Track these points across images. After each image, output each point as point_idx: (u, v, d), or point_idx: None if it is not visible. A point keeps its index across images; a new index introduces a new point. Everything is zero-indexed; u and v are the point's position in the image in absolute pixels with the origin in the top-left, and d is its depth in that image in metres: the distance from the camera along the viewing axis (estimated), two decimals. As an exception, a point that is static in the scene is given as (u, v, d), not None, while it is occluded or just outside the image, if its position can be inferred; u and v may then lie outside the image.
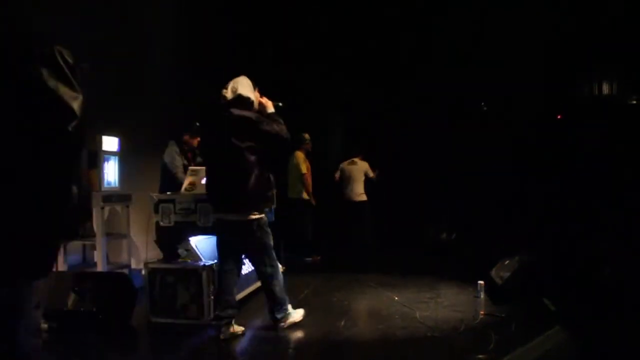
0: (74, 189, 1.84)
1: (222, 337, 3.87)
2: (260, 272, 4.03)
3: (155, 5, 6.69)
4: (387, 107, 9.33)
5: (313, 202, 7.50)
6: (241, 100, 3.88)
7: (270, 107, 4.06)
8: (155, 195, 4.48)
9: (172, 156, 5.41)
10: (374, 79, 9.12)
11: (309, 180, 7.43)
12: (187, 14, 7.41)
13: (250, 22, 8.54)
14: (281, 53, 9.02)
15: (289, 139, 3.99)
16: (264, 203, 3.95)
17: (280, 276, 4.07)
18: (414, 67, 8.96)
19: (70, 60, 1.86)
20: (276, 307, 4.03)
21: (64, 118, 1.79)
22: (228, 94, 3.90)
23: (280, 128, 3.91)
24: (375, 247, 8.12)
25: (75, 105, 1.82)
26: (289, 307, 4.12)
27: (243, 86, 3.93)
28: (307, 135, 7.58)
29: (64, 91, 1.80)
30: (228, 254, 4.00)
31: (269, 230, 4.00)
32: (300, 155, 7.45)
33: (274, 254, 4.04)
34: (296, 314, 4.17)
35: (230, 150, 3.78)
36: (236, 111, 3.83)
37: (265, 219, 3.98)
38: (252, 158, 3.80)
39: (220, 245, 4.04)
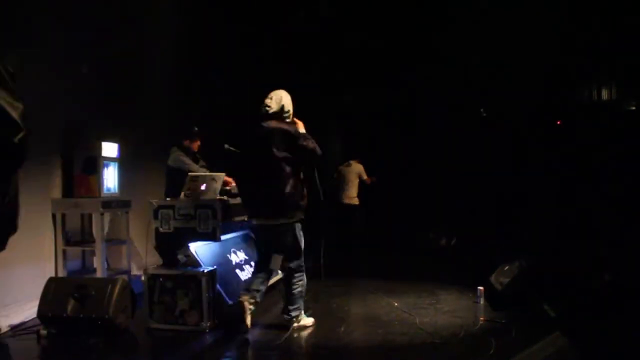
0: (5, 199, 1.77)
1: (242, 300, 3.95)
2: (288, 269, 4.23)
3: (155, 12, 6.71)
4: (386, 110, 9.35)
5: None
6: (283, 113, 4.12)
7: (301, 127, 4.18)
8: (155, 201, 4.48)
9: (179, 159, 5.46)
10: (373, 82, 9.14)
11: None
12: (186, 20, 7.43)
13: (249, 25, 8.56)
14: (281, 55, 9.05)
15: (321, 156, 4.15)
16: (298, 210, 4.13)
17: (305, 279, 4.28)
18: (413, 70, 8.98)
19: (11, 70, 1.76)
20: (293, 305, 4.21)
21: (8, 129, 1.70)
22: (272, 104, 4.11)
23: (315, 145, 4.09)
24: (363, 252, 8.08)
25: (16, 115, 1.71)
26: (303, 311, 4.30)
27: (286, 100, 4.17)
28: None
29: (6, 100, 1.71)
30: (265, 253, 4.24)
31: (302, 234, 4.21)
32: None
33: (303, 257, 4.26)
34: (308, 319, 4.31)
35: (268, 160, 4.00)
36: (274, 123, 4.07)
37: (300, 224, 4.19)
38: (288, 169, 4.01)
39: (258, 245, 4.38)
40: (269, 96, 4.13)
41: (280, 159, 3.97)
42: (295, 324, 4.19)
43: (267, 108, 4.10)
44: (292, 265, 4.20)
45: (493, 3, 8.14)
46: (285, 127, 4.06)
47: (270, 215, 4.08)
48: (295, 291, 4.19)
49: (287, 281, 4.26)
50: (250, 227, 4.61)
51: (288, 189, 3.99)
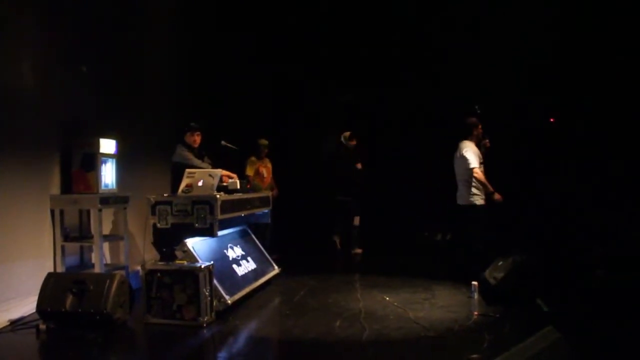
0: None
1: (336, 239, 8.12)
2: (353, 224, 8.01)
3: (154, 8, 6.73)
4: (383, 109, 9.37)
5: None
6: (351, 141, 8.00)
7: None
8: (152, 198, 4.51)
9: (183, 155, 5.53)
10: (371, 82, 9.16)
11: (259, 181, 7.23)
12: (186, 17, 7.44)
13: (249, 26, 8.58)
14: (280, 56, 9.07)
15: None
16: None
17: None
18: (409, 69, 8.99)
19: None
20: (357, 242, 7.97)
21: None
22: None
23: None
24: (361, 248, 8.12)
25: None
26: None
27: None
28: (263, 141, 7.46)
29: None
30: (345, 213, 7.94)
31: None
32: (249, 159, 7.39)
33: None
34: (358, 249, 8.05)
35: (353, 163, 7.88)
36: (350, 144, 7.92)
37: None
38: None
39: (342, 209, 7.95)
40: (348, 134, 7.89)
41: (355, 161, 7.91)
42: (359, 250, 7.90)
43: (348, 140, 7.86)
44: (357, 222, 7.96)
45: (490, 1, 8.18)
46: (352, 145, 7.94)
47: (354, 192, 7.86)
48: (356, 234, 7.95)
49: (354, 230, 7.94)
50: (339, 201, 7.94)
51: None
